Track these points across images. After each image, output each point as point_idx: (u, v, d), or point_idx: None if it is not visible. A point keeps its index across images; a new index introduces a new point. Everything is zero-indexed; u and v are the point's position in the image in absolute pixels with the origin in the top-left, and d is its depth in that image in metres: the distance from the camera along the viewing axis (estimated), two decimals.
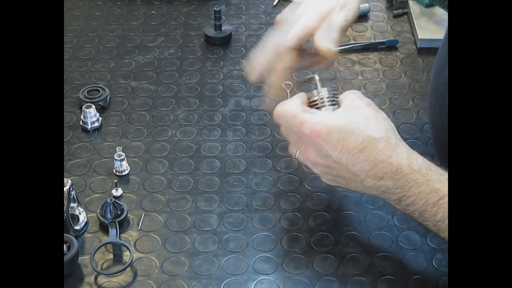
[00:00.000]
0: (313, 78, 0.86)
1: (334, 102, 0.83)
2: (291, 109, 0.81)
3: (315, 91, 0.85)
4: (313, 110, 0.82)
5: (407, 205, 0.77)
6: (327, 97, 0.83)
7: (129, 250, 0.86)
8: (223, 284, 0.83)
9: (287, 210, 0.93)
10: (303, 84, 0.92)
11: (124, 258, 0.86)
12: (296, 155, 0.83)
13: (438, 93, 0.91)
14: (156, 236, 0.89)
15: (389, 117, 1.06)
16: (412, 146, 1.02)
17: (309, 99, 0.85)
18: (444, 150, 0.79)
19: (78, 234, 0.89)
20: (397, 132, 0.80)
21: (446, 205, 0.73)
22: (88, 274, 0.84)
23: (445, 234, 0.75)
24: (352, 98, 0.81)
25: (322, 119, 0.79)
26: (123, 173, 0.98)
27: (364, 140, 0.76)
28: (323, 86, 0.85)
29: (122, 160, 0.97)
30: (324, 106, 0.83)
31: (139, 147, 1.03)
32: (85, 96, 1.10)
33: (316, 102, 0.84)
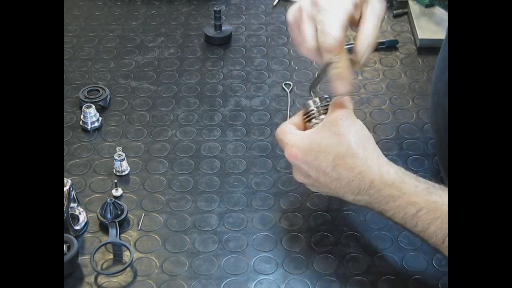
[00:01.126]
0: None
1: (327, 110, 0.84)
2: (280, 133, 0.84)
3: (309, 102, 0.86)
4: (296, 132, 0.83)
5: (389, 217, 0.78)
6: (317, 107, 0.85)
7: (129, 250, 0.86)
8: (223, 284, 0.83)
9: (287, 210, 0.93)
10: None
11: (124, 258, 0.86)
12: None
13: (440, 93, 0.91)
14: (156, 236, 0.89)
15: (389, 117, 1.08)
16: (412, 146, 1.03)
17: (304, 112, 0.86)
18: (446, 151, 0.79)
19: (78, 234, 0.89)
20: (370, 144, 0.78)
21: (424, 216, 0.73)
22: (88, 274, 0.84)
23: (431, 241, 0.75)
24: (330, 112, 0.82)
25: (298, 141, 0.81)
26: (123, 173, 0.98)
27: (334, 158, 0.78)
28: (316, 95, 0.86)
29: (122, 160, 0.97)
30: (315, 117, 0.85)
31: (139, 147, 1.03)
32: (85, 96, 1.10)
33: (309, 114, 0.85)
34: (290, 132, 0.83)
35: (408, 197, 0.74)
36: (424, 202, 0.73)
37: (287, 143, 0.82)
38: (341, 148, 0.77)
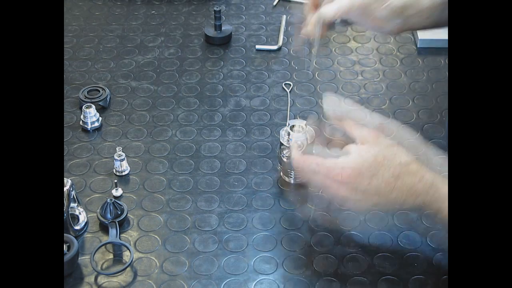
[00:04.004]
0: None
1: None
2: (314, 157, 0.82)
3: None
4: (333, 155, 0.81)
5: (445, 216, 0.77)
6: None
7: (129, 250, 0.86)
8: (223, 284, 0.83)
9: (287, 210, 0.93)
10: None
11: (124, 258, 0.86)
12: (321, 192, 0.84)
13: None
14: (156, 236, 0.89)
15: (389, 117, 1.08)
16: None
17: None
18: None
19: (78, 234, 0.89)
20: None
21: None
22: (88, 274, 0.84)
23: None
24: (359, 133, 0.82)
25: (348, 163, 0.79)
26: (123, 173, 0.98)
27: (397, 167, 0.78)
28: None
29: (122, 160, 0.97)
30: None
31: (139, 147, 1.03)
32: (85, 96, 1.11)
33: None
34: (326, 155, 0.81)
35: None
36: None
37: (333, 166, 0.80)
38: (402, 158, 0.79)
